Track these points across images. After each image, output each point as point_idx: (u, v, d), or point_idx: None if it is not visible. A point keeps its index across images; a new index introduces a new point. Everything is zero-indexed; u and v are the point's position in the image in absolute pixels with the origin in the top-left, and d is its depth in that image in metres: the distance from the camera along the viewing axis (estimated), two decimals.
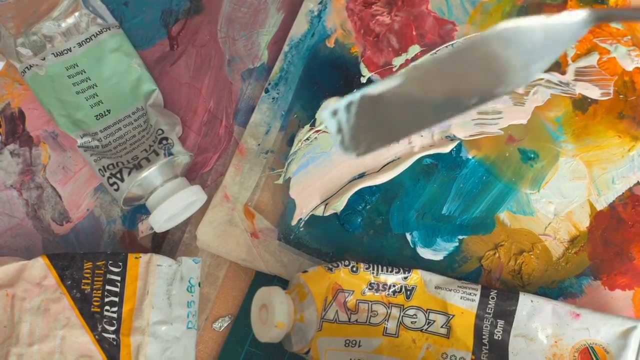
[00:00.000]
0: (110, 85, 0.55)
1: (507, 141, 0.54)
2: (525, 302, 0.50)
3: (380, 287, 0.50)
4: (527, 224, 0.54)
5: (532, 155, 0.54)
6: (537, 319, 0.50)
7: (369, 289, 0.50)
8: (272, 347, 0.53)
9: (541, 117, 0.54)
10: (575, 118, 0.54)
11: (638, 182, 0.54)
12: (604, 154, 0.54)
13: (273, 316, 0.48)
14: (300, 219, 0.54)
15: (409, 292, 0.51)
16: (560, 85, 0.54)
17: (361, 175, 0.54)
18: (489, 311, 0.50)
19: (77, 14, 0.55)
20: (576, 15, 0.34)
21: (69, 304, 0.50)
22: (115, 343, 0.50)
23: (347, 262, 0.50)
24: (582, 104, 0.54)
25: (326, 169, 0.54)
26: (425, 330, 0.50)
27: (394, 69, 0.54)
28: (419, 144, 0.54)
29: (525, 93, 0.54)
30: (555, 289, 0.53)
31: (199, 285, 0.53)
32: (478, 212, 0.54)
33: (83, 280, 0.50)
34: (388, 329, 0.50)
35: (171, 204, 0.52)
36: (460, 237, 0.54)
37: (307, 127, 0.54)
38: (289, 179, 0.53)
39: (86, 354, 0.50)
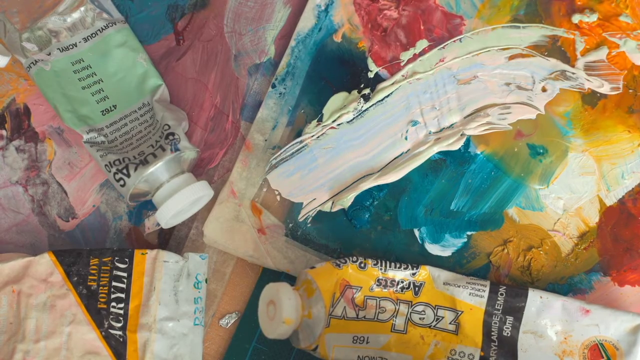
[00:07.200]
0: (116, 81, 0.55)
1: (515, 136, 0.54)
2: (535, 298, 0.50)
3: (389, 283, 0.50)
4: (536, 220, 0.53)
5: (541, 151, 0.53)
6: (547, 315, 0.50)
7: (377, 285, 0.50)
8: (280, 343, 0.53)
9: (550, 112, 0.54)
10: (584, 113, 0.54)
11: None
12: (614, 149, 0.53)
13: (281, 312, 0.48)
14: (308, 214, 0.53)
15: (417, 289, 0.50)
16: (569, 80, 0.53)
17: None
18: (498, 307, 0.50)
19: (82, 8, 0.55)
20: None
21: (75, 300, 0.50)
22: (122, 339, 0.50)
23: (355, 258, 0.50)
24: (591, 98, 0.54)
25: (310, 167, 0.53)
26: (434, 326, 0.50)
27: (402, 64, 0.54)
28: (424, 135, 0.53)
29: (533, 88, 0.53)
30: (565, 285, 0.53)
31: (206, 282, 0.53)
32: (487, 207, 0.53)
33: (89, 277, 0.50)
34: (396, 325, 0.50)
35: (178, 200, 0.51)
36: (469, 233, 0.53)
37: (314, 122, 0.53)
38: (272, 167, 0.53)
39: (93, 351, 0.49)
